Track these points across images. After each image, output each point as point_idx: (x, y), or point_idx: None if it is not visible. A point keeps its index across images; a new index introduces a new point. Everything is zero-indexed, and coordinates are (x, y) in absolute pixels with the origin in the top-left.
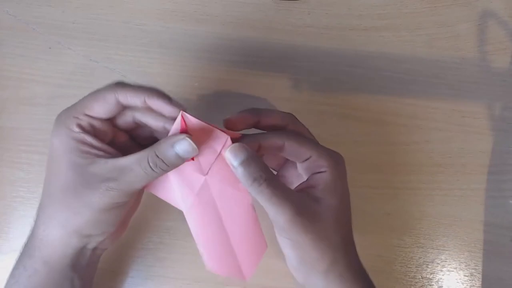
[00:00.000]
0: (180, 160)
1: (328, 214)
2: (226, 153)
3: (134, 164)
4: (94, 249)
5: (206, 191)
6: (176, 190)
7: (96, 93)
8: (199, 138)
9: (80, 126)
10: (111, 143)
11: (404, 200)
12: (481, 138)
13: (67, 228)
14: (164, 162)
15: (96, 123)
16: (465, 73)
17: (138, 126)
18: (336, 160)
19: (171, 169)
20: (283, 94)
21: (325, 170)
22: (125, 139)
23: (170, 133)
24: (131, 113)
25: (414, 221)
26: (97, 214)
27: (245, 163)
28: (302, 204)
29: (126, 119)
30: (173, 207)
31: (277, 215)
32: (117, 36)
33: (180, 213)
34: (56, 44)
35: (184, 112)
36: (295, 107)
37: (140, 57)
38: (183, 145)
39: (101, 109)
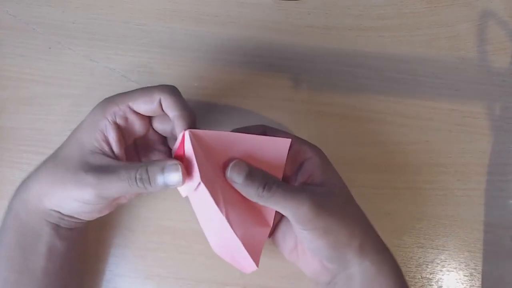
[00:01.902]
0: (164, 185)
1: (338, 193)
2: (228, 174)
3: (122, 169)
4: (70, 216)
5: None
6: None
7: (146, 89)
8: (209, 149)
9: (114, 114)
10: (141, 142)
11: (404, 200)
12: (481, 138)
13: (44, 189)
14: (149, 181)
15: (132, 117)
16: (465, 73)
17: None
18: (315, 146)
19: (154, 191)
20: (283, 94)
21: (311, 155)
22: (157, 138)
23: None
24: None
25: (414, 221)
26: (68, 199)
27: (250, 175)
28: (315, 191)
29: (165, 128)
30: (172, 207)
31: (297, 209)
32: (117, 36)
33: (179, 213)
34: (56, 44)
35: (190, 133)
36: (295, 107)
37: (140, 57)
38: (173, 173)
39: (144, 106)
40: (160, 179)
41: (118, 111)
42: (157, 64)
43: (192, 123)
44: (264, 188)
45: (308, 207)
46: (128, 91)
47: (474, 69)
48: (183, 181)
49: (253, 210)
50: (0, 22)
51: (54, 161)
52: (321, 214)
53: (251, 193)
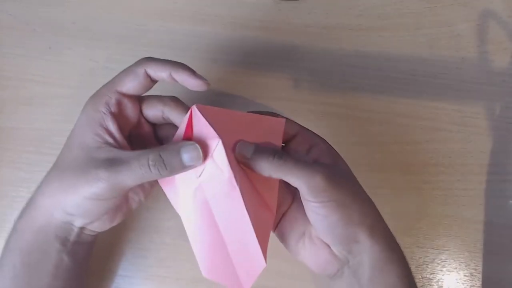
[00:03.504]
0: (182, 167)
1: (347, 174)
2: (237, 152)
3: (132, 158)
4: (82, 228)
5: (200, 194)
6: (177, 189)
7: (127, 69)
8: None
9: (107, 104)
10: (135, 134)
11: (404, 200)
12: (481, 138)
13: (53, 200)
14: (164, 165)
15: (125, 101)
16: (465, 73)
17: (164, 125)
18: (317, 134)
19: (168, 175)
20: (283, 94)
21: (318, 141)
22: (149, 130)
23: (178, 130)
24: (162, 107)
25: (414, 221)
26: (81, 199)
27: (258, 148)
28: (326, 165)
29: (155, 113)
30: (172, 207)
31: (310, 178)
32: (117, 36)
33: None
34: (56, 44)
35: (197, 107)
36: (295, 107)
37: (140, 57)
38: (191, 152)
39: (131, 83)
40: (176, 161)
41: (109, 100)
42: None
43: (188, 69)
44: (274, 156)
45: (321, 177)
46: (114, 77)
47: (474, 69)
48: (204, 159)
49: (258, 195)
50: (0, 22)
51: (58, 169)
52: (335, 186)
53: (263, 165)
